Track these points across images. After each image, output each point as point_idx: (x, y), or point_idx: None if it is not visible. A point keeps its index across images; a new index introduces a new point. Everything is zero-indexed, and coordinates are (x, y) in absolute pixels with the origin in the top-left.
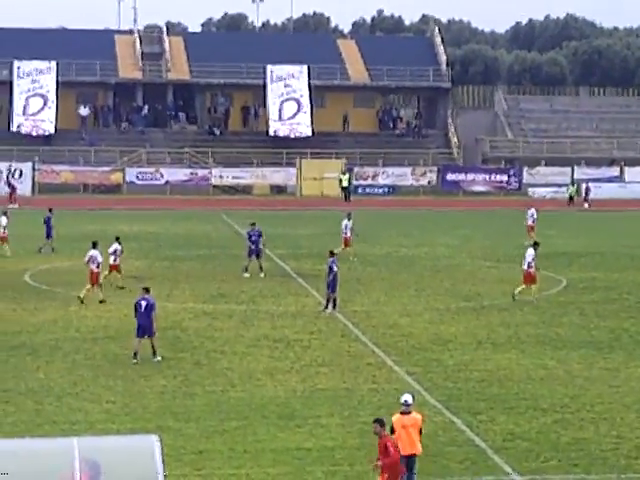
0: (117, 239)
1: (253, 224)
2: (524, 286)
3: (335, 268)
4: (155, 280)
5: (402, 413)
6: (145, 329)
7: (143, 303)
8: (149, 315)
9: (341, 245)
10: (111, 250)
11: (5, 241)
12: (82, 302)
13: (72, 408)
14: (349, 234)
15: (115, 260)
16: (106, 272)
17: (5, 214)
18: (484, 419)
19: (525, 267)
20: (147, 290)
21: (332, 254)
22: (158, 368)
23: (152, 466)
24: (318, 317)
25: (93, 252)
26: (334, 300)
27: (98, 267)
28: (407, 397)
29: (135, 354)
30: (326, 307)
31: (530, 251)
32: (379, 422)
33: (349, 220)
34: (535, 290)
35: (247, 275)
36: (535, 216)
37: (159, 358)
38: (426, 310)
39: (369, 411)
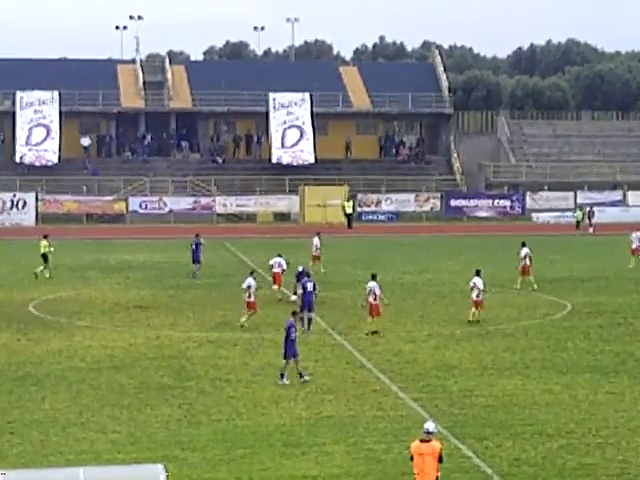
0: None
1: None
2: None
3: (309, 288)
4: (159, 309)
5: (422, 441)
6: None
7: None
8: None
9: (519, 274)
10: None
11: (318, 260)
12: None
13: (78, 438)
14: (528, 262)
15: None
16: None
17: (318, 235)
18: (490, 445)
19: None
20: (294, 313)
21: (307, 275)
22: (163, 397)
23: None
24: (323, 344)
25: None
26: (309, 320)
27: (250, 297)
28: (429, 425)
29: (283, 375)
30: (308, 328)
31: None
32: None
33: (524, 247)
34: None
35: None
36: None
37: (306, 378)
38: (431, 336)
39: (375, 438)
